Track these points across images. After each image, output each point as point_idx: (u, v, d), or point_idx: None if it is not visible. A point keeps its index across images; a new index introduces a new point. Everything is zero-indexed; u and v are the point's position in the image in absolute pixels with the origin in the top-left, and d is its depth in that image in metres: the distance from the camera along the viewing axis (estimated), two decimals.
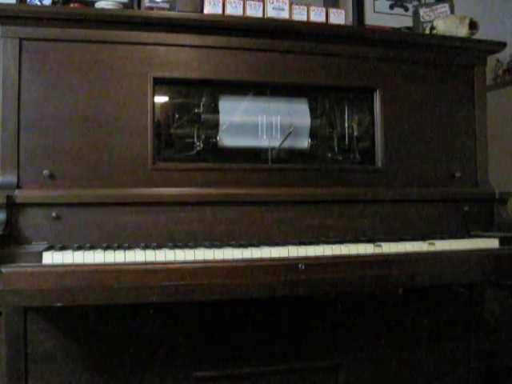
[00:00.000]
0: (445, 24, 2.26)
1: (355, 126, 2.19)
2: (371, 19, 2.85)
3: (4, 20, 1.78)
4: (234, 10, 2.03)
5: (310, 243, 1.82)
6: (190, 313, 1.91)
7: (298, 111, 2.11)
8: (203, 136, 2.02)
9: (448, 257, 1.84)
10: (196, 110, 2.03)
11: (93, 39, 1.84)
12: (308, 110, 2.12)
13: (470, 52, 2.21)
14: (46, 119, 1.80)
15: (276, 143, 2.06)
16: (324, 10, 2.15)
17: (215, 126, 2.02)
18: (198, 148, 2.01)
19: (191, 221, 1.84)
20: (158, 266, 1.58)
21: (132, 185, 1.83)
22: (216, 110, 2.03)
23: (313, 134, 2.12)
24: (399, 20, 2.84)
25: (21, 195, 1.73)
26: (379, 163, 2.09)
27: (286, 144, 2.07)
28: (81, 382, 1.85)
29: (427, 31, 2.32)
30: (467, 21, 2.23)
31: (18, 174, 1.77)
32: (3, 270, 1.49)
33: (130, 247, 1.70)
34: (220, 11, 2.02)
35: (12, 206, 1.71)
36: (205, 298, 1.61)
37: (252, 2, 2.06)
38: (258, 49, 1.99)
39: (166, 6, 2.04)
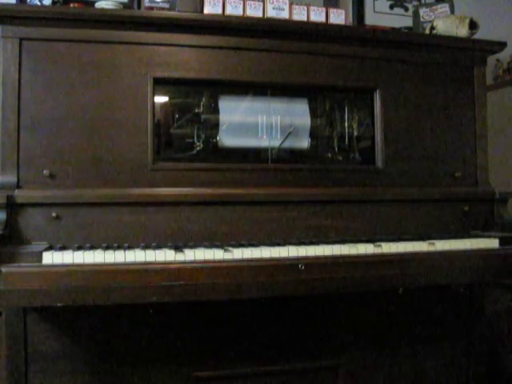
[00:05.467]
0: (445, 24, 2.25)
1: (355, 126, 2.19)
2: (371, 19, 2.85)
3: (4, 20, 1.78)
4: (234, 9, 2.03)
5: (310, 243, 1.82)
6: (190, 313, 1.91)
7: (298, 111, 2.11)
8: (203, 136, 2.02)
9: (448, 257, 1.84)
10: (196, 110, 2.03)
11: (93, 39, 1.84)
12: (308, 109, 2.12)
13: (470, 52, 2.21)
14: (46, 119, 1.80)
15: (276, 143, 2.06)
16: (324, 10, 2.15)
17: (215, 125, 2.02)
18: (198, 148, 2.01)
19: (191, 221, 1.84)
20: (158, 266, 1.58)
21: (132, 185, 1.83)
22: (216, 110, 2.03)
23: (313, 134, 2.12)
24: (399, 20, 2.84)
25: (21, 195, 1.73)
26: (379, 163, 2.09)
27: (286, 144, 2.07)
28: (81, 382, 1.85)
29: (427, 31, 2.31)
30: (467, 21, 2.23)
31: (18, 174, 1.76)
32: (3, 269, 1.49)
33: (130, 247, 1.71)
34: (220, 11, 2.02)
35: (12, 206, 1.71)
36: (205, 298, 1.61)
37: (252, 2, 2.05)
38: (257, 49, 1.99)
39: (166, 6, 2.03)
